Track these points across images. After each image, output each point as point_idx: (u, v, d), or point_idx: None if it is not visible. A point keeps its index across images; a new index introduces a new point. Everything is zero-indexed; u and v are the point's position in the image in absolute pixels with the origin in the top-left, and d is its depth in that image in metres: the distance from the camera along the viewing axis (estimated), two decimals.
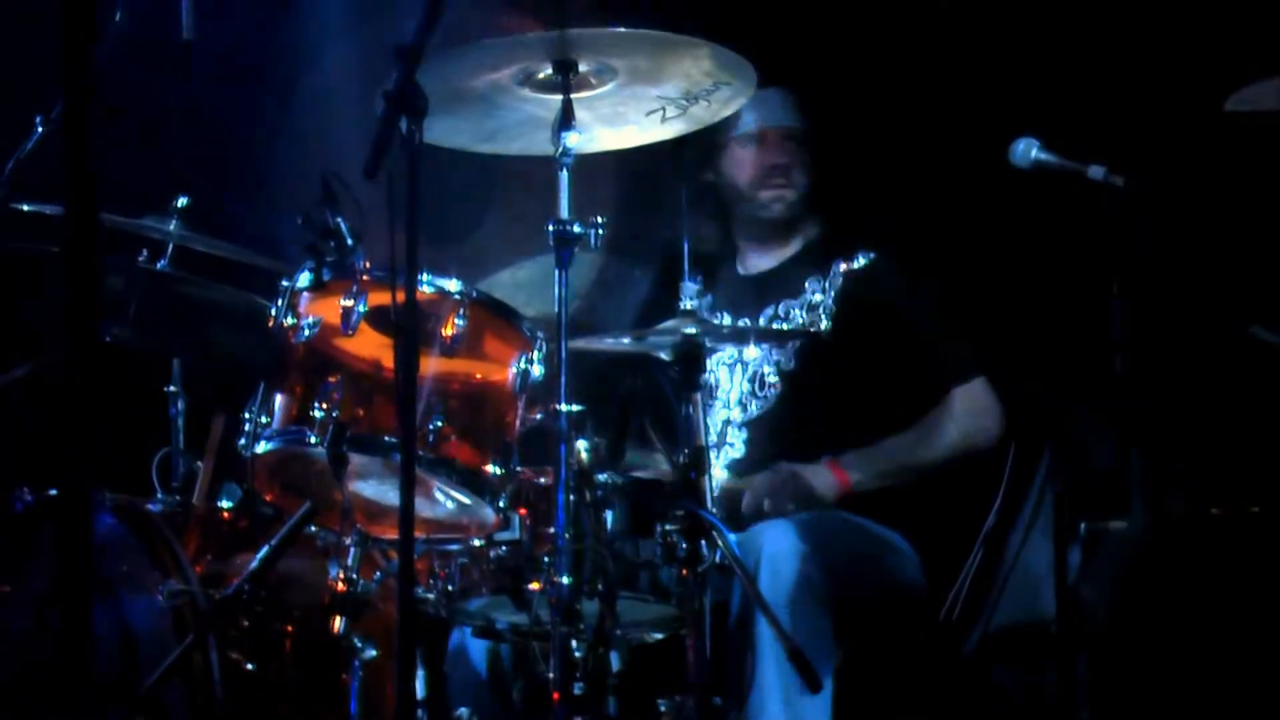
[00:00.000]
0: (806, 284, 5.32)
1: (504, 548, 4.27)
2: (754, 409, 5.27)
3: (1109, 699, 4.56)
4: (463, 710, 4.50)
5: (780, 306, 5.34)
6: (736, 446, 5.28)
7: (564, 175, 4.24)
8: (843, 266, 5.29)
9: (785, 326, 5.29)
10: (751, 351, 5.29)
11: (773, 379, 5.26)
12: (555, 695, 4.04)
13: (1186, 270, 5.09)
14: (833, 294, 5.27)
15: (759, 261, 5.47)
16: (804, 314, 5.29)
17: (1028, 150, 4.64)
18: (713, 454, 5.17)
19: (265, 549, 4.42)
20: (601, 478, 4.22)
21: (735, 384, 5.30)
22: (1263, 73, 4.33)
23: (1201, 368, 5.11)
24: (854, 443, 5.14)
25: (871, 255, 5.29)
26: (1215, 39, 5.11)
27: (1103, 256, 4.71)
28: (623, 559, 4.18)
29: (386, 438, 4.26)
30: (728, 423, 5.30)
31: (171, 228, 5.06)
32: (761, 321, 5.33)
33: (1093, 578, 4.56)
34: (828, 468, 5.06)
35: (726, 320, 5.37)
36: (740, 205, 5.45)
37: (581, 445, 4.21)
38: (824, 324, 5.24)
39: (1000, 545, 4.93)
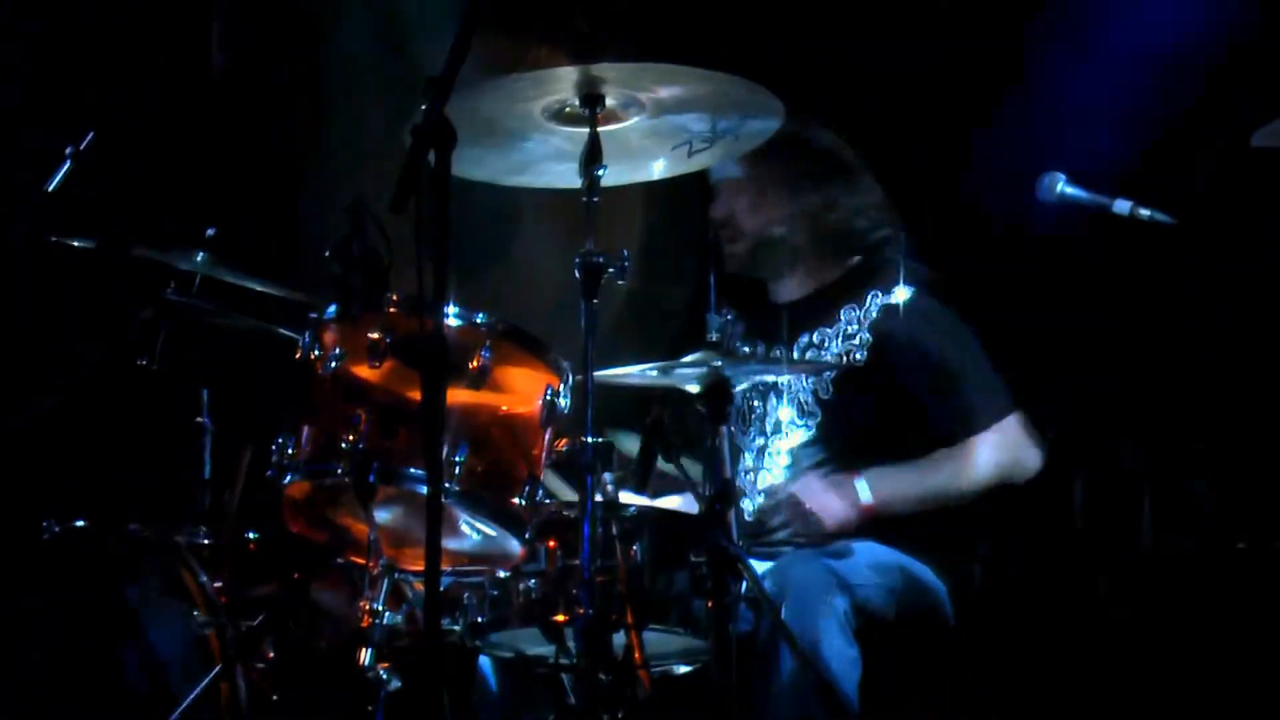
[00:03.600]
0: (841, 313, 5.32)
1: (534, 580, 4.27)
2: (794, 436, 5.27)
3: None
4: None
5: (815, 334, 5.33)
6: (775, 473, 5.27)
7: (591, 208, 4.25)
8: (879, 299, 5.28)
9: (822, 355, 5.29)
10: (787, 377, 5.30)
11: (812, 408, 5.26)
12: None
13: (1229, 302, 5.09)
14: (869, 325, 5.27)
15: (788, 290, 5.47)
16: (840, 343, 5.29)
17: (1053, 185, 4.64)
18: (749, 479, 5.19)
19: (292, 580, 4.43)
20: (630, 509, 4.23)
21: (772, 411, 5.30)
22: None
23: (1259, 400, 5.11)
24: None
25: (910, 289, 5.28)
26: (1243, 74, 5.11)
27: (1144, 289, 4.73)
28: (650, 590, 4.19)
29: (413, 469, 4.27)
30: (765, 449, 5.30)
31: (199, 260, 5.08)
32: (797, 350, 5.34)
33: None
34: (849, 480, 5.06)
35: (760, 349, 5.37)
36: None
37: (607, 477, 4.22)
38: (860, 355, 5.24)
39: None
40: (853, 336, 5.27)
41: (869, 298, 5.29)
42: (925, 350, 5.19)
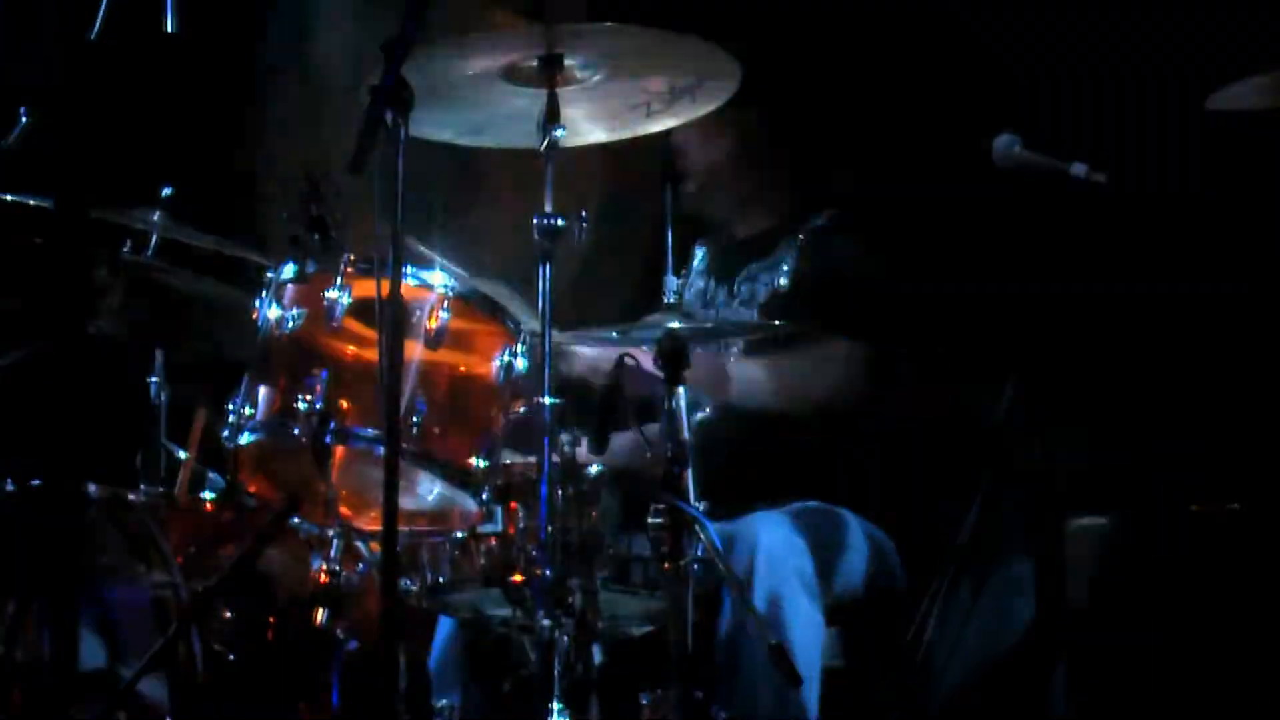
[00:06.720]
0: (779, 247, 5.33)
1: (494, 541, 4.28)
2: None
3: (1088, 696, 4.58)
4: (444, 701, 4.52)
5: (751, 268, 5.35)
6: (703, 407, 5.28)
7: (549, 169, 4.26)
8: (808, 225, 5.30)
9: (755, 288, 5.29)
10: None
11: (740, 342, 5.27)
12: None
13: (1163, 264, 5.11)
14: (794, 249, 5.28)
15: (744, 228, 5.48)
16: (770, 274, 5.30)
17: (1009, 147, 4.65)
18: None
19: (248, 541, 4.43)
20: (592, 470, 4.24)
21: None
22: (1243, 72, 4.35)
23: (1180, 365, 5.13)
24: None
25: (836, 210, 5.30)
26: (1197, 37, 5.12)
27: (1076, 250, 4.75)
28: (608, 550, 4.21)
29: (370, 430, 4.27)
30: None
31: (156, 219, 5.06)
32: (736, 284, 5.34)
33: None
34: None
35: (710, 285, 5.38)
36: None
37: (564, 438, 4.23)
38: (782, 281, 5.25)
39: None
40: (779, 264, 5.28)
41: (800, 226, 5.30)
42: (826, 266, 5.20)
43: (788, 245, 5.30)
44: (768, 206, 5.42)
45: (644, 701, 4.22)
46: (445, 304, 4.33)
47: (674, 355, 4.35)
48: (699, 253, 5.36)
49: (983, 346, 5.22)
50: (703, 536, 4.17)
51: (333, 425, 4.26)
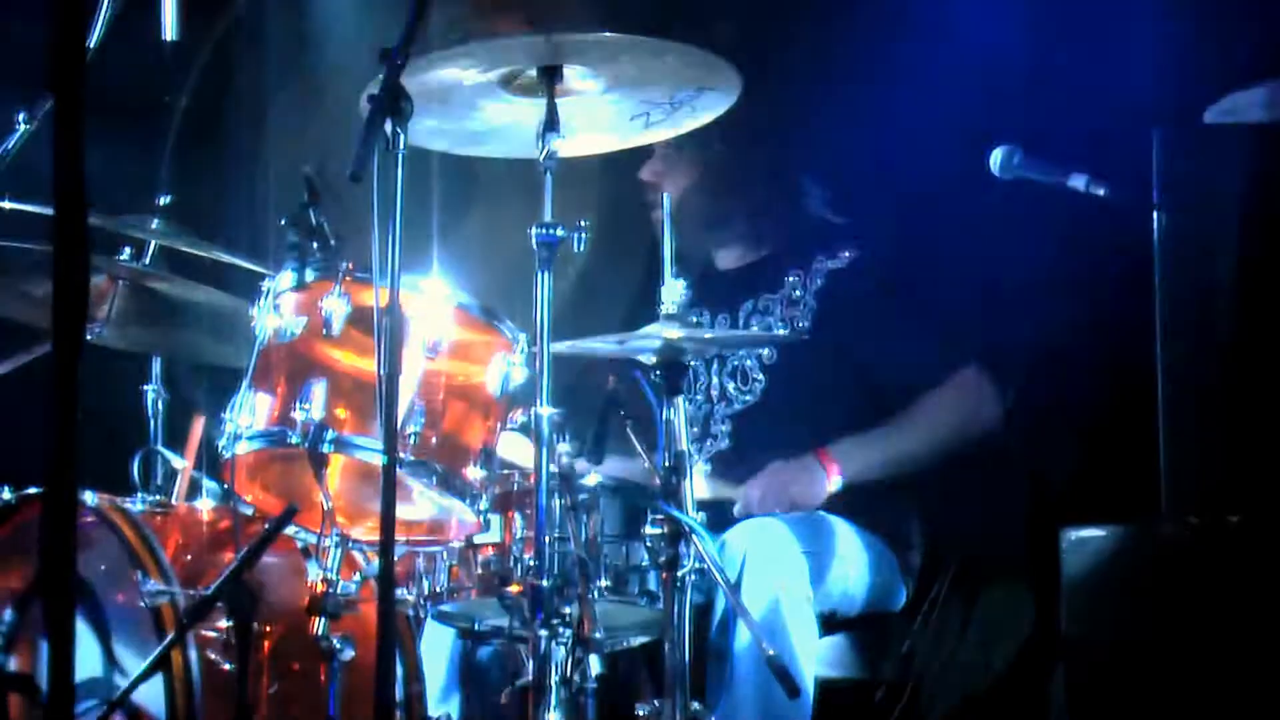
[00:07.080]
0: (787, 279, 5.31)
1: (492, 550, 4.28)
2: (738, 403, 5.28)
3: (1086, 705, 4.57)
4: (442, 712, 4.52)
5: (760, 301, 5.34)
6: (720, 439, 5.28)
7: (548, 179, 4.24)
8: (826, 264, 5.29)
9: (766, 320, 5.29)
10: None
11: (756, 374, 5.26)
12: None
13: (1168, 275, 5.10)
14: (814, 290, 5.27)
15: (734, 257, 5.47)
16: (784, 308, 5.29)
17: (1009, 158, 4.64)
18: (694, 447, 5.18)
19: (245, 549, 4.42)
20: (589, 481, 4.24)
21: (716, 377, 5.30)
22: (1242, 84, 4.34)
23: (1179, 375, 5.12)
24: (839, 436, 5.14)
25: (854, 252, 5.29)
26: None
27: (1077, 261, 4.74)
28: (604, 561, 4.20)
29: (368, 439, 4.26)
30: (709, 416, 5.30)
31: (154, 226, 5.05)
32: (741, 316, 5.34)
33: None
34: (818, 460, 5.06)
35: (705, 317, 5.37)
36: None
37: (563, 448, 4.22)
38: (806, 323, 5.25)
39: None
40: (798, 303, 5.28)
41: (814, 263, 5.29)
42: (873, 311, 5.19)
43: (799, 283, 5.28)
44: (751, 236, 5.41)
45: (641, 712, 4.21)
46: (443, 313, 4.33)
47: (673, 365, 4.35)
48: (679, 283, 5.34)
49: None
50: (701, 547, 4.17)
51: (330, 434, 4.26)
